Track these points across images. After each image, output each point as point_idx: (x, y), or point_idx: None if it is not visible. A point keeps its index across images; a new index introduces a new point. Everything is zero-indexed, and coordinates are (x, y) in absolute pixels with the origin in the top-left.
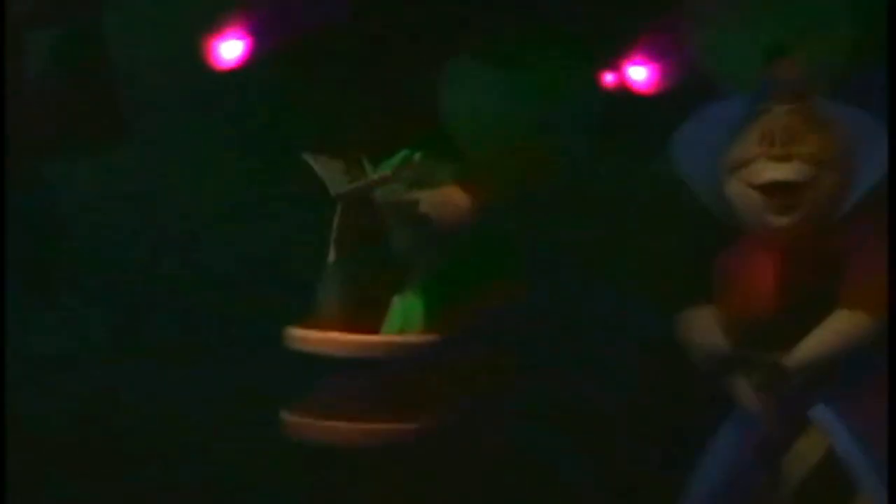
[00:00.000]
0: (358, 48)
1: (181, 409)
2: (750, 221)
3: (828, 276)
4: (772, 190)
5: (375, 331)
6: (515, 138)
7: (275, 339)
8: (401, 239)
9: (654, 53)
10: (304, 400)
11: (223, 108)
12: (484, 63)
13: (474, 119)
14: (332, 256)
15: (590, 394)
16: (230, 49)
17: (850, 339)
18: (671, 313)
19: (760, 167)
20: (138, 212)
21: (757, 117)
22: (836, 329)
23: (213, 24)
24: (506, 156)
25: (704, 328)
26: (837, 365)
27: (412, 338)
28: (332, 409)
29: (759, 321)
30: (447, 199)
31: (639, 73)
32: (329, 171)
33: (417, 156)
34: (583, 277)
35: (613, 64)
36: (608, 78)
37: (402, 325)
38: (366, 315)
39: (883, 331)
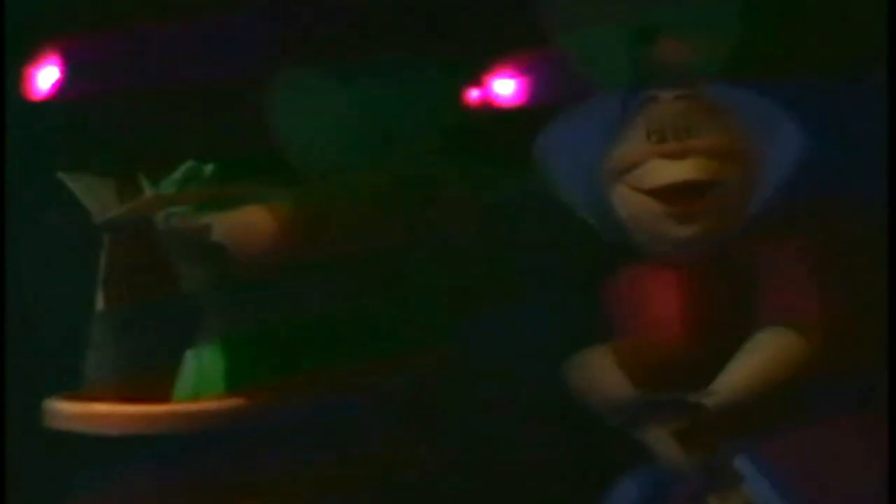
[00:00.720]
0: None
1: None
2: (643, 235)
3: (743, 294)
4: (669, 194)
5: (165, 398)
6: (360, 158)
7: (30, 416)
8: (190, 277)
9: (522, 64)
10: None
11: None
12: (320, 74)
13: (310, 137)
14: (100, 304)
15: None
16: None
17: (782, 364)
18: (559, 356)
19: (652, 168)
20: None
21: (640, 108)
22: (763, 353)
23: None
24: (349, 178)
25: (602, 373)
26: (767, 399)
27: (209, 404)
28: None
29: (667, 357)
30: (245, 223)
31: (505, 87)
32: (94, 194)
33: (209, 168)
34: (447, 317)
35: (477, 77)
36: (472, 92)
37: (197, 388)
38: (150, 378)
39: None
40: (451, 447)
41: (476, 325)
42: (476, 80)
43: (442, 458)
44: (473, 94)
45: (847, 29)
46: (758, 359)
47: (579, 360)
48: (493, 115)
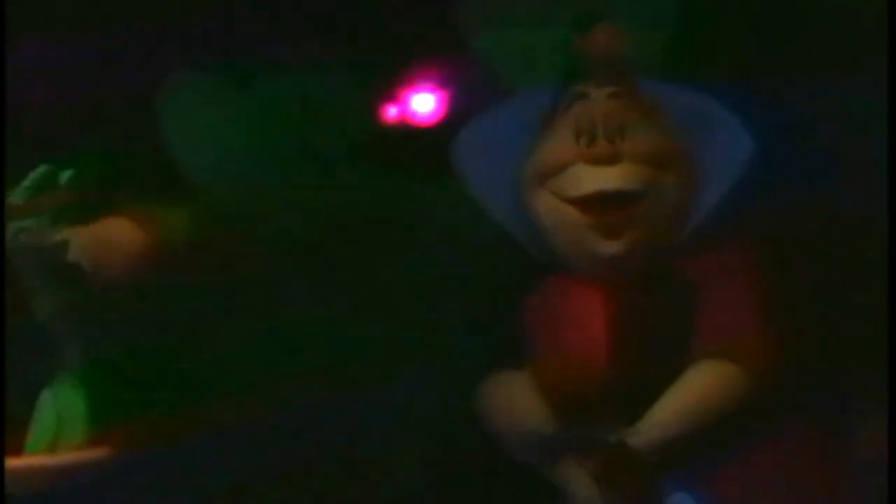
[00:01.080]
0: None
1: None
2: (566, 249)
3: (678, 317)
4: (595, 204)
5: (16, 449)
6: (258, 169)
7: None
8: (44, 301)
9: (437, 75)
10: None
11: None
12: (219, 79)
13: (204, 145)
14: None
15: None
16: None
17: (717, 402)
18: (471, 381)
19: (578, 173)
20: None
21: (569, 106)
22: (697, 390)
23: None
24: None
25: (518, 402)
26: (702, 437)
27: (67, 456)
28: None
29: (592, 385)
30: (108, 238)
31: (421, 101)
32: None
33: (66, 174)
34: (350, 339)
35: (390, 85)
36: (384, 101)
37: (56, 433)
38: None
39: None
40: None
41: (385, 349)
42: (389, 87)
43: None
44: (386, 104)
45: (792, 22)
46: (692, 395)
47: (493, 385)
48: (407, 125)
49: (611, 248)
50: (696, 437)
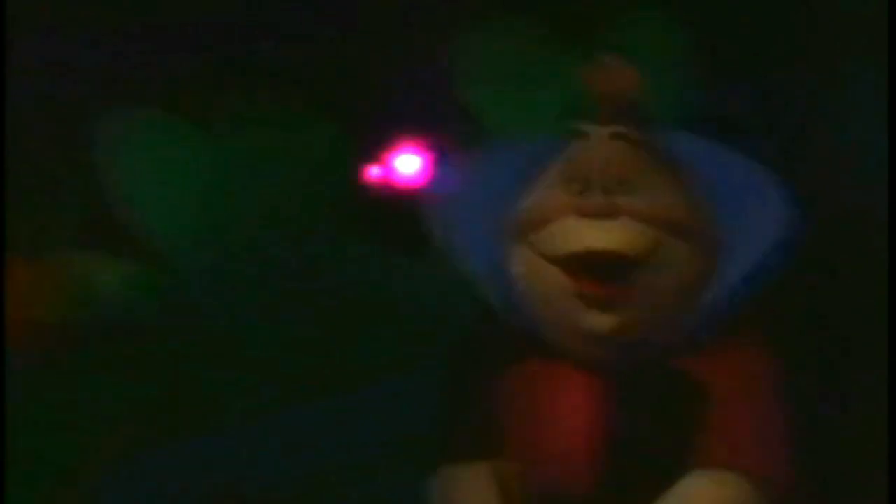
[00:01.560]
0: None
1: None
2: (547, 319)
3: (675, 419)
4: (584, 266)
5: None
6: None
7: None
8: None
9: (425, 137)
10: None
11: None
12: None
13: (154, 194)
14: None
15: None
16: None
17: None
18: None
19: (566, 228)
20: None
21: (566, 148)
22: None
23: None
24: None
25: (474, 497)
26: None
27: None
28: None
29: (563, 488)
30: None
31: (409, 164)
32: None
33: None
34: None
35: (376, 150)
36: (369, 167)
37: None
38: None
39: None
40: None
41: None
42: (374, 150)
43: None
44: (370, 168)
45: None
46: None
47: (449, 476)
48: (392, 193)
49: (600, 322)
50: None
